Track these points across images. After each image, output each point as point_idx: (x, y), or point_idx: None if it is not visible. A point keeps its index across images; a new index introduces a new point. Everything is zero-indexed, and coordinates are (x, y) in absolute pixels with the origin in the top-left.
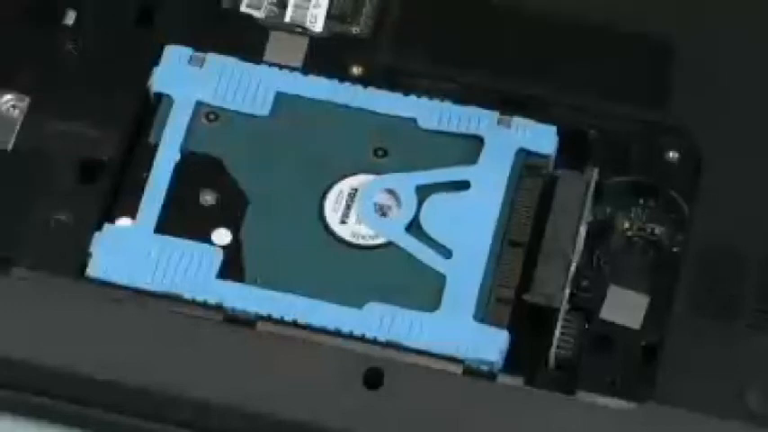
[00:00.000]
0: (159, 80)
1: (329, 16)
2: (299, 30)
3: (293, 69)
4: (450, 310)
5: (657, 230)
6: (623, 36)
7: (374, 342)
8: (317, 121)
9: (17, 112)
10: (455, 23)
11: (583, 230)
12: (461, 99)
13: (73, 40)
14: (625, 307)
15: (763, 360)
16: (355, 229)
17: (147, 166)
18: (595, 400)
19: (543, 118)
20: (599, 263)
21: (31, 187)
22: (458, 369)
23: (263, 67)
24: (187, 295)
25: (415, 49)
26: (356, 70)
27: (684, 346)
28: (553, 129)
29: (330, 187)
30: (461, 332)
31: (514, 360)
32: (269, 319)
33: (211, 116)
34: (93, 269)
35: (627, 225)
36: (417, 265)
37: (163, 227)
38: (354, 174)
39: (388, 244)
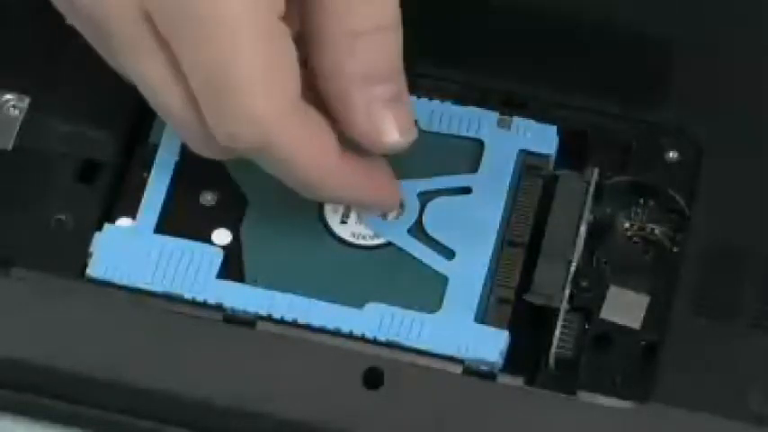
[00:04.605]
0: None
1: None
2: None
3: None
4: (451, 310)
5: (657, 230)
6: (623, 36)
7: (374, 342)
8: None
9: (17, 112)
10: (455, 23)
11: (583, 230)
12: (461, 99)
13: (73, 41)
14: (625, 307)
15: (763, 360)
16: (355, 229)
17: (147, 166)
18: (595, 400)
19: (543, 118)
20: (599, 263)
21: (31, 187)
22: (458, 369)
23: None
24: (187, 295)
25: (414, 49)
26: None
27: (684, 345)
28: (553, 129)
29: None
30: (461, 332)
31: (514, 360)
32: (269, 319)
33: None
34: (93, 269)
35: (627, 225)
36: (418, 265)
37: (163, 227)
38: None
39: (389, 244)
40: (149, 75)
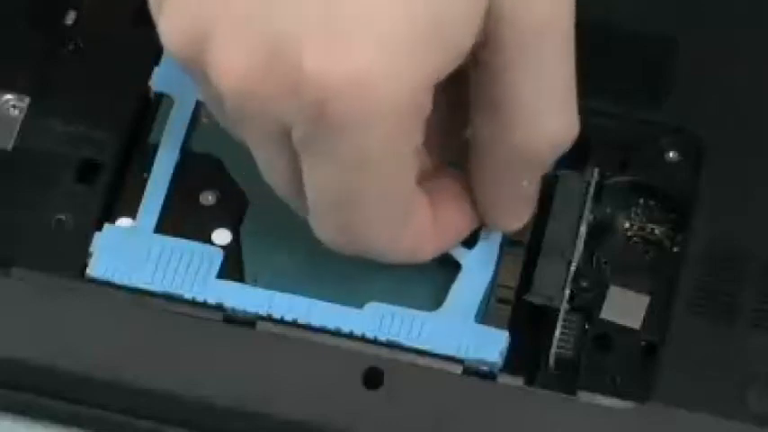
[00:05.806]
0: (159, 80)
1: None
2: None
3: None
4: (452, 310)
5: (657, 230)
6: (623, 35)
7: (374, 342)
8: None
9: (17, 112)
10: None
11: (583, 230)
12: None
13: (73, 41)
14: (625, 307)
15: (763, 360)
16: None
17: (147, 166)
18: (595, 400)
19: None
20: (599, 263)
21: (31, 187)
22: (458, 369)
23: None
24: (187, 295)
25: None
26: None
27: (684, 345)
28: None
29: None
30: (461, 332)
31: (514, 360)
32: (269, 319)
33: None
34: (93, 269)
35: (627, 225)
36: (419, 265)
37: (163, 227)
38: None
39: None
40: (267, 165)
